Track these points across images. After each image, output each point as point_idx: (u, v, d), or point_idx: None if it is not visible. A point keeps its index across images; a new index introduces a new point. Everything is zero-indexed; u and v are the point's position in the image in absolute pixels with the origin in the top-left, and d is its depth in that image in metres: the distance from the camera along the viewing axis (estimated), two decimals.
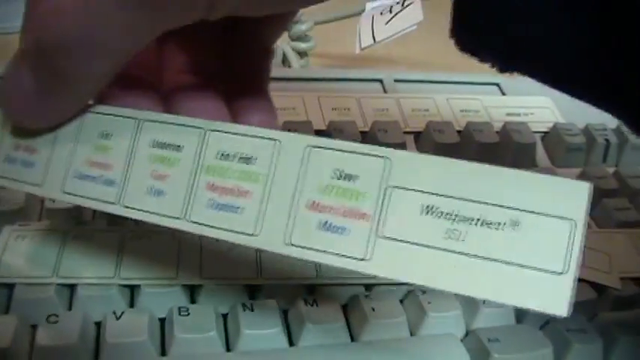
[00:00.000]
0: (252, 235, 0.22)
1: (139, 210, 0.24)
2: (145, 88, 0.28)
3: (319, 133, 0.42)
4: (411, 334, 0.31)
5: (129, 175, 0.25)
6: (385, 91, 0.47)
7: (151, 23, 0.22)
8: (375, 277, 0.21)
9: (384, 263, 0.21)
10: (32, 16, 0.23)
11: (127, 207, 0.24)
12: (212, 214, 0.23)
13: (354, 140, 0.35)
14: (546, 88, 0.47)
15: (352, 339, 0.30)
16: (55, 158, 0.26)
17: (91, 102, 0.26)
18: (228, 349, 0.29)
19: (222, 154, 0.24)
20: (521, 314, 0.32)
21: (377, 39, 0.52)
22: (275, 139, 0.23)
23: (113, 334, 0.28)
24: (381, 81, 0.48)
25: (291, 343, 0.30)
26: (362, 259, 0.21)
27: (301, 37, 0.56)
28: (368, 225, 0.21)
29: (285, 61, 0.56)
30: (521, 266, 0.19)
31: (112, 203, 0.25)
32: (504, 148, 0.42)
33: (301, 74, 0.49)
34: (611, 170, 0.43)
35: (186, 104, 0.27)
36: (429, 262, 0.20)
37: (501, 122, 0.44)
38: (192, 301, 0.31)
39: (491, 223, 0.20)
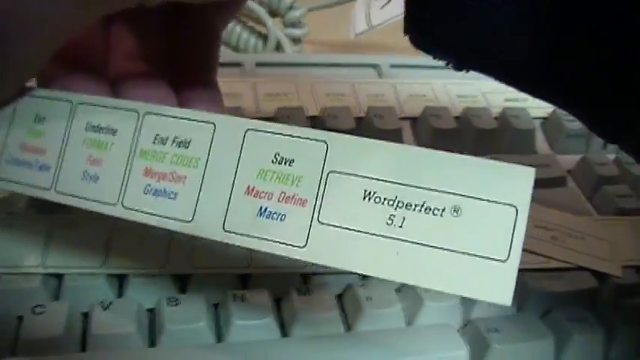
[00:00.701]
0: (188, 221, 0.22)
1: (73, 196, 0.23)
2: (91, 74, 0.27)
3: (312, 119, 0.41)
4: (408, 324, 0.30)
5: (63, 160, 0.24)
6: (381, 77, 0.46)
7: (87, 5, 0.22)
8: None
9: (324, 251, 0.20)
10: None
11: (61, 193, 0.24)
12: (148, 200, 0.22)
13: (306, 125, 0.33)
14: None
15: (347, 329, 0.29)
16: None
17: (31, 84, 0.25)
18: (218, 340, 0.28)
19: (159, 138, 0.23)
20: (521, 303, 0.32)
21: (372, 24, 0.51)
22: (212, 123, 0.22)
23: (100, 326, 0.27)
24: (376, 66, 0.47)
25: (283, 334, 0.29)
26: (301, 247, 0.20)
27: (295, 24, 0.55)
28: (307, 211, 0.20)
29: (278, 47, 0.55)
30: (464, 254, 0.19)
31: (46, 189, 0.24)
32: (503, 134, 0.41)
33: (294, 59, 0.48)
34: (611, 157, 0.42)
35: (132, 91, 0.27)
36: (370, 250, 0.20)
37: (500, 108, 0.43)
38: (182, 291, 0.30)
39: (432, 209, 0.19)
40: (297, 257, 0.20)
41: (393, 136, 0.39)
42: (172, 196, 0.22)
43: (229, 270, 0.30)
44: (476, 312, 0.31)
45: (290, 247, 0.20)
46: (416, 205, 0.19)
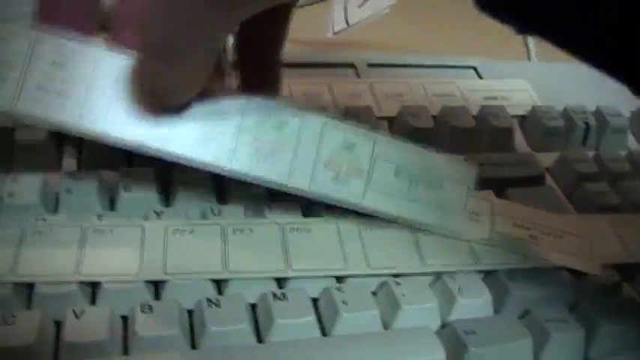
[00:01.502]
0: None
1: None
2: None
3: None
4: (385, 328, 0.30)
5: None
6: (358, 76, 0.46)
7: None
8: None
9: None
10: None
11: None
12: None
13: None
14: (523, 71, 0.46)
15: (323, 334, 0.29)
16: None
17: None
18: (193, 347, 0.28)
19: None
20: (498, 305, 0.31)
21: (350, 22, 0.51)
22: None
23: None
24: (353, 65, 0.47)
25: (259, 340, 0.28)
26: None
27: None
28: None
29: None
30: None
31: None
32: (481, 132, 0.41)
33: None
34: (591, 154, 0.42)
35: None
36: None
37: (478, 106, 0.43)
38: (157, 297, 0.29)
39: None
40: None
41: None
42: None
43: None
44: (454, 314, 0.30)
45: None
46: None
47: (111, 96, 0.29)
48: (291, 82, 0.43)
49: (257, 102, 0.30)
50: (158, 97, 0.28)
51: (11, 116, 0.30)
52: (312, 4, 0.57)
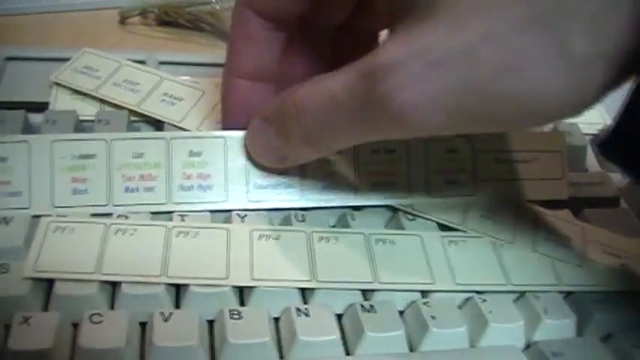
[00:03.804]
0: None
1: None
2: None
3: None
4: (471, 345, 0.29)
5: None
6: None
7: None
8: None
9: None
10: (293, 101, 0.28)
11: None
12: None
13: None
14: None
15: (410, 349, 0.29)
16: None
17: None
18: (281, 357, 0.28)
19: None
20: (582, 327, 0.31)
21: None
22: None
23: (161, 338, 0.26)
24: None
25: (347, 352, 0.28)
26: None
27: None
28: None
29: None
30: None
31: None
32: None
33: None
34: None
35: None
36: None
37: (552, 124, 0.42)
38: (242, 303, 0.29)
39: None
40: None
41: None
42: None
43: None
44: (538, 334, 0.30)
45: None
46: None
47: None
48: None
49: None
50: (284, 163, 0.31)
51: None
52: None
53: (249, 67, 0.32)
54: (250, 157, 0.32)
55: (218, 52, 0.40)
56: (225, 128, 0.33)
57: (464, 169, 0.34)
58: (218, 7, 0.50)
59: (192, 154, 0.32)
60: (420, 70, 0.23)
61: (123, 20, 0.54)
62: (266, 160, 0.32)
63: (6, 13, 0.52)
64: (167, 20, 0.54)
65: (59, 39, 0.50)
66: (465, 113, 0.24)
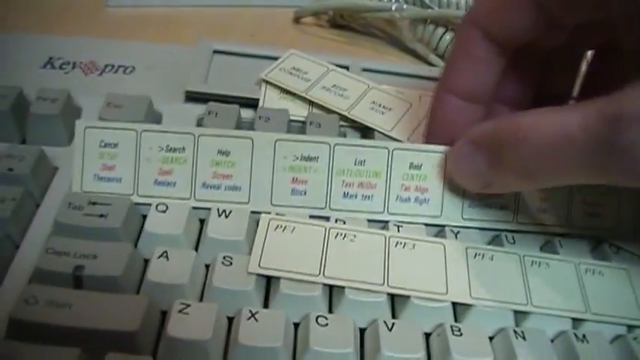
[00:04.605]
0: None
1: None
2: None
3: None
4: None
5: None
6: None
7: None
8: None
9: None
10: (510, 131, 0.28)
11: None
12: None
13: None
14: None
15: None
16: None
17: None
18: None
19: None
20: None
21: None
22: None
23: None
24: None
25: None
26: None
27: None
28: None
29: None
30: None
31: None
32: None
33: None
34: None
35: None
36: None
37: None
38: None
39: None
40: None
41: None
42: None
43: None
44: None
45: None
46: None
47: None
48: None
49: None
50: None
51: None
52: None
53: (465, 86, 0.32)
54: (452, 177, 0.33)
55: (406, 63, 0.39)
56: (427, 142, 0.33)
57: None
58: (397, 16, 0.50)
59: (412, 166, 0.32)
60: None
61: (297, 20, 0.55)
62: (468, 184, 0.32)
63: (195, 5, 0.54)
64: (340, 23, 0.54)
65: (235, 33, 0.52)
66: None
